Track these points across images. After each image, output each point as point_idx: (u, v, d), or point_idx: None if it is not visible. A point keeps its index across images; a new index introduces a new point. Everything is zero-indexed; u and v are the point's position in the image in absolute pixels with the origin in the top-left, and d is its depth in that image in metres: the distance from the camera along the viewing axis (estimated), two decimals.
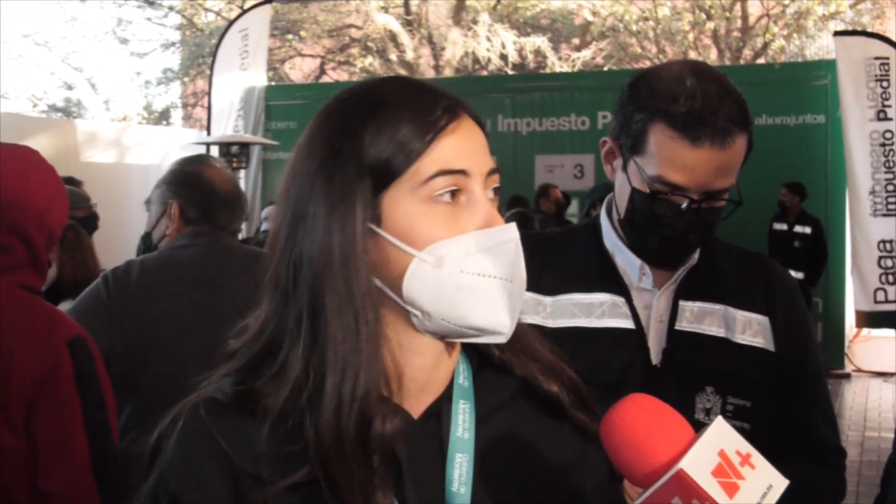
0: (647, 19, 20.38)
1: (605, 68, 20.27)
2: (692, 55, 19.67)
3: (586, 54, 20.71)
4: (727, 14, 19.84)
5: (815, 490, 1.69)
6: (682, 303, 1.71)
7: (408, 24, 20.26)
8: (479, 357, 1.16)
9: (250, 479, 1.02)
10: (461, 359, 1.14)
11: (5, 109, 20.80)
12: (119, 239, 9.88)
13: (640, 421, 0.96)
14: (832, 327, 10.43)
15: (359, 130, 1.05)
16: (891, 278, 9.44)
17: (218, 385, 1.09)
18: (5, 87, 23.69)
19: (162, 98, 26.70)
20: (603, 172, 1.77)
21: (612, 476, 1.21)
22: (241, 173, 10.90)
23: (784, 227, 9.85)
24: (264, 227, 8.82)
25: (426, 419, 1.10)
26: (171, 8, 22.87)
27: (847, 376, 10.39)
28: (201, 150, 10.62)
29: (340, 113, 1.08)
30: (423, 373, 1.10)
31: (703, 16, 19.92)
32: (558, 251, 1.79)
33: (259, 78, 12.48)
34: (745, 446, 0.94)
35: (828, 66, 10.58)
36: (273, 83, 17.17)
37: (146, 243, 3.00)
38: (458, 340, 1.10)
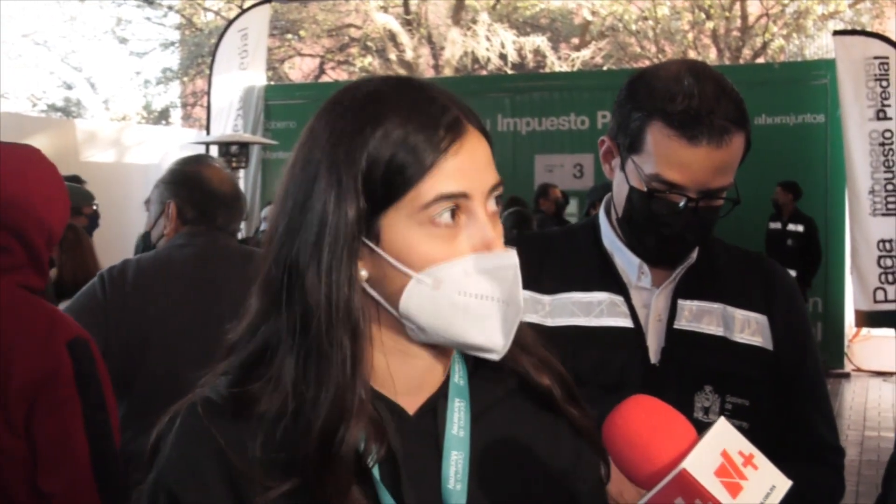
0: (646, 19, 20.38)
1: (605, 68, 20.28)
2: (692, 55, 19.67)
3: (586, 54, 20.71)
4: (726, 13, 19.85)
5: (814, 489, 1.69)
6: (680, 302, 1.71)
7: (407, 23, 20.25)
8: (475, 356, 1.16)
9: (247, 479, 1.03)
10: (457, 357, 1.14)
11: (5, 109, 20.79)
12: (119, 239, 9.87)
13: (643, 422, 0.97)
14: (832, 327, 10.43)
15: (357, 145, 1.02)
16: (890, 278, 9.44)
17: (214, 385, 1.09)
18: (5, 87, 23.70)
19: (161, 98, 26.73)
20: (602, 172, 1.77)
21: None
22: (241, 173, 10.89)
23: (778, 225, 9.90)
24: (264, 226, 8.82)
25: (422, 416, 1.10)
26: (170, 7, 22.86)
27: (846, 376, 10.40)
28: (201, 149, 10.61)
29: (340, 123, 1.05)
30: (418, 373, 1.11)
31: (703, 15, 19.92)
32: (557, 250, 1.79)
33: (258, 77, 12.48)
34: (748, 447, 0.94)
35: (827, 66, 10.58)
36: (272, 83, 17.17)
37: (145, 243, 3.00)
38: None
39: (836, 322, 10.49)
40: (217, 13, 21.87)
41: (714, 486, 0.89)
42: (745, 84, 1.75)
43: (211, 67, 12.62)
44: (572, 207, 10.71)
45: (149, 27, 31.39)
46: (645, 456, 0.95)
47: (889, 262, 9.45)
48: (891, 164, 9.52)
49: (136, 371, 2.47)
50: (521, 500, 1.13)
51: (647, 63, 17.81)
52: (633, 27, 20.73)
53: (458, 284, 1.02)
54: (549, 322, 1.70)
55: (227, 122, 12.10)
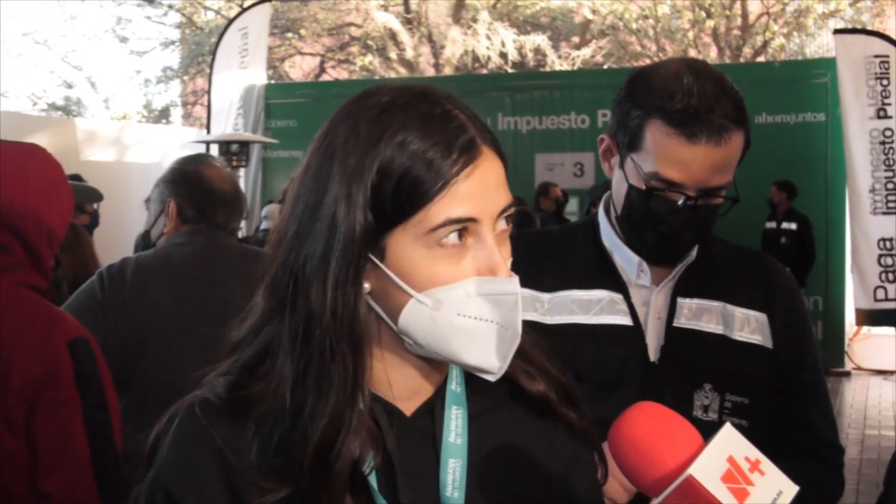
0: (646, 17, 20.39)
1: (605, 66, 20.29)
2: (692, 53, 19.68)
3: (586, 52, 20.73)
4: (727, 12, 19.85)
5: (814, 488, 1.69)
6: (680, 300, 1.71)
7: (407, 22, 20.26)
8: None
9: (245, 481, 1.03)
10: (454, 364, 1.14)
11: (5, 108, 20.79)
12: (119, 238, 9.88)
13: (649, 428, 0.97)
14: (832, 325, 10.44)
15: (370, 157, 1.01)
16: (891, 276, 9.44)
17: (213, 385, 1.09)
18: (5, 86, 23.69)
19: (162, 96, 26.76)
20: (603, 171, 1.77)
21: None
22: (241, 172, 10.90)
23: (773, 225, 9.95)
24: (264, 225, 8.82)
25: (419, 417, 1.11)
26: (170, 6, 22.87)
27: (847, 374, 10.40)
28: (201, 148, 10.62)
29: (355, 132, 1.03)
30: (416, 380, 1.11)
31: (703, 14, 19.93)
32: (556, 249, 1.79)
33: (259, 76, 12.48)
34: (755, 452, 0.94)
35: (828, 65, 10.58)
36: (273, 81, 17.17)
37: (145, 242, 3.01)
38: None
39: (836, 320, 10.49)
40: (217, 12, 21.87)
41: (720, 492, 0.90)
42: (745, 83, 1.75)
43: (211, 66, 12.62)
44: (573, 206, 10.71)
45: (149, 26, 31.41)
46: (651, 462, 0.95)
47: (889, 261, 9.45)
48: (891, 162, 9.52)
49: (134, 369, 2.47)
50: None
51: (648, 62, 17.81)
52: (634, 26, 20.74)
53: (458, 306, 1.02)
54: (549, 320, 1.70)
55: (228, 120, 12.10)
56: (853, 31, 11.21)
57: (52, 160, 2.03)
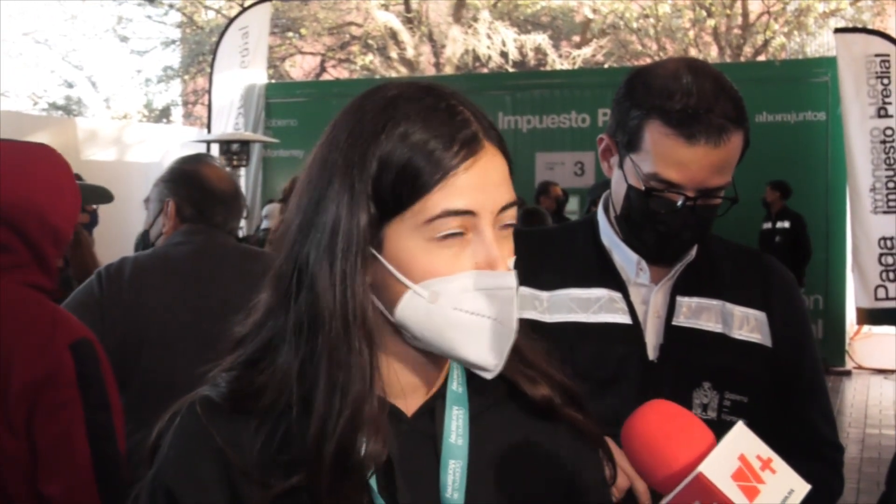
0: (647, 16, 20.39)
1: (606, 66, 20.29)
2: (693, 52, 19.69)
3: (587, 52, 20.73)
4: (728, 11, 19.85)
5: (813, 487, 1.69)
6: (679, 298, 1.71)
7: (408, 21, 20.26)
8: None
9: (245, 479, 1.03)
10: (455, 363, 1.13)
11: (5, 108, 20.80)
12: (119, 237, 9.87)
13: (660, 426, 0.98)
14: (833, 324, 10.43)
15: (372, 149, 1.02)
16: (891, 275, 9.44)
17: (216, 382, 1.09)
18: (5, 86, 23.69)
19: (162, 96, 26.75)
20: (602, 170, 1.77)
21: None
22: (242, 171, 10.90)
23: (769, 225, 9.96)
24: (264, 224, 8.83)
25: (419, 417, 1.10)
26: (171, 6, 22.88)
27: (847, 373, 10.40)
28: (202, 147, 10.64)
29: (359, 126, 1.04)
30: (415, 375, 1.11)
31: (704, 13, 19.92)
32: (555, 247, 1.79)
33: (259, 75, 12.49)
34: (766, 451, 0.94)
35: (828, 64, 10.58)
36: (273, 81, 17.17)
37: (144, 241, 3.01)
38: None
39: (837, 319, 10.49)
40: (218, 11, 21.88)
41: (731, 490, 0.90)
42: (746, 82, 1.75)
43: (212, 65, 12.63)
44: (573, 205, 10.71)
45: (150, 25, 31.38)
46: (662, 460, 0.96)
47: (890, 260, 9.45)
48: (892, 161, 9.52)
49: (133, 369, 2.47)
50: None
51: (649, 61, 17.80)
52: (634, 25, 20.74)
53: (455, 300, 1.02)
54: (548, 318, 1.70)
55: (228, 120, 12.11)
56: (854, 30, 11.22)
57: (59, 160, 2.02)
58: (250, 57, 12.24)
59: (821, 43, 20.44)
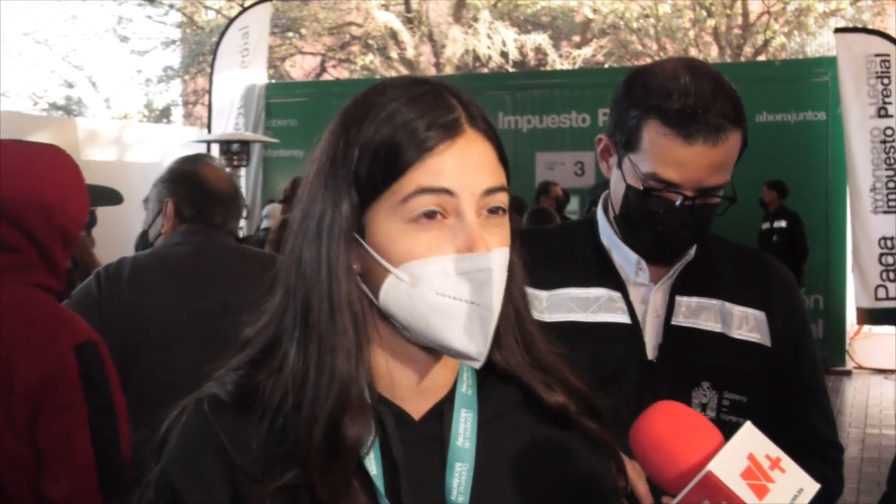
0: (647, 16, 20.40)
1: (606, 66, 20.28)
2: (693, 52, 19.69)
3: (587, 52, 20.73)
4: (728, 11, 19.85)
5: None
6: (678, 298, 1.71)
7: (408, 21, 20.27)
8: (485, 365, 1.13)
9: (247, 478, 1.04)
10: (465, 366, 1.13)
11: (5, 108, 20.79)
12: (119, 237, 9.87)
13: (669, 426, 0.99)
14: (833, 324, 10.43)
15: (353, 142, 1.05)
16: (891, 275, 9.44)
17: (223, 380, 1.10)
18: (6, 86, 23.69)
19: (162, 96, 26.73)
20: (601, 170, 1.77)
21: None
22: (242, 171, 10.91)
23: (767, 225, 9.97)
24: (265, 224, 8.83)
25: (427, 421, 1.10)
26: (171, 6, 22.88)
27: (848, 373, 10.40)
28: (202, 148, 10.64)
29: (346, 118, 1.08)
30: (419, 377, 1.10)
31: (704, 13, 19.92)
32: (555, 247, 1.79)
33: (260, 75, 12.49)
34: (775, 450, 0.95)
35: (828, 63, 10.57)
36: (273, 81, 17.17)
37: (143, 241, 3.01)
38: None
39: (837, 319, 10.49)
40: (218, 11, 21.88)
41: (740, 488, 0.91)
42: (746, 81, 1.76)
43: (212, 66, 12.63)
44: (573, 205, 10.71)
45: (150, 25, 31.32)
46: (671, 459, 0.96)
47: (890, 260, 9.45)
48: (892, 161, 9.52)
49: (132, 369, 2.47)
50: None
51: (649, 61, 17.79)
52: (635, 25, 20.74)
53: (435, 284, 1.01)
54: (547, 318, 1.69)
55: (229, 120, 12.10)
56: (854, 29, 11.22)
57: (67, 161, 2.02)
58: (250, 57, 12.24)
59: (821, 43, 20.43)
